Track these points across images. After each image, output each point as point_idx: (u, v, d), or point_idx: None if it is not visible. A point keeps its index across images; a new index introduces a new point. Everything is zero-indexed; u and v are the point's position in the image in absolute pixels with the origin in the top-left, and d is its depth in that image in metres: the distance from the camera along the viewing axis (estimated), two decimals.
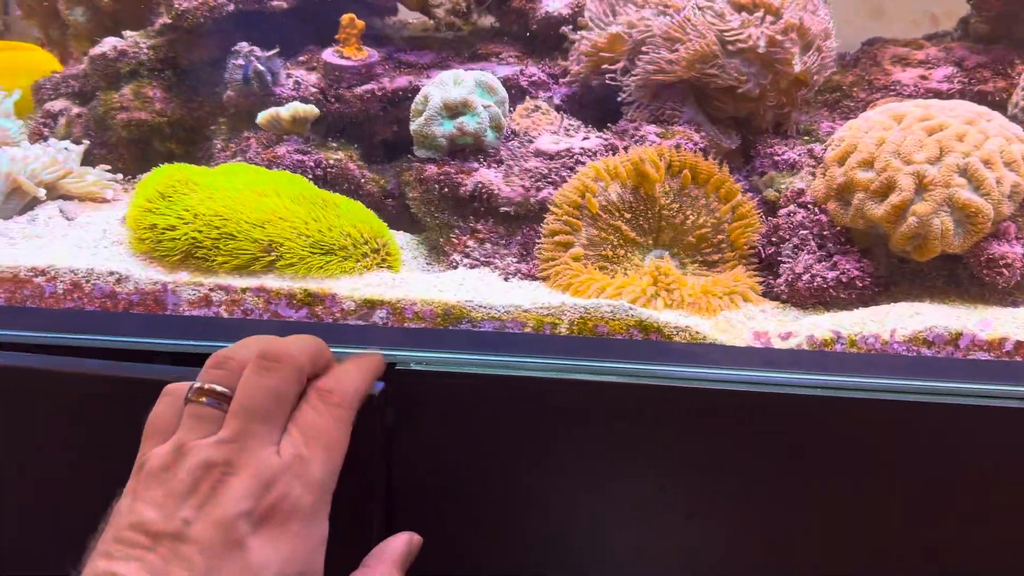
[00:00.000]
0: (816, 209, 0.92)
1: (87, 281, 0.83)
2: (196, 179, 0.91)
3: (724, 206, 0.94)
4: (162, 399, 0.49)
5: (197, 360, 0.50)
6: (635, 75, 1.02)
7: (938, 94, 1.05)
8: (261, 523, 0.43)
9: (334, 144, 1.09)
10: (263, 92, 1.10)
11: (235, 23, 1.14)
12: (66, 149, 1.11)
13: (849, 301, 0.88)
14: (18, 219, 1.02)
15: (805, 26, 0.98)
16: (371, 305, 0.80)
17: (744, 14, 0.97)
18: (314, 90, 1.11)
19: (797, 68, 0.99)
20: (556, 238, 0.92)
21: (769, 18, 0.97)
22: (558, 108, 1.09)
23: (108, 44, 1.18)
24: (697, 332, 0.78)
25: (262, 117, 1.07)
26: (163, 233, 0.87)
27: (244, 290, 0.81)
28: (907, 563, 0.61)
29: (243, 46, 1.09)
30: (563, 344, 0.77)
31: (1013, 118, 0.95)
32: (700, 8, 0.99)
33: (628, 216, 0.93)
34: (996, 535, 0.60)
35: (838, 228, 0.90)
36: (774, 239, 0.93)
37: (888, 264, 0.91)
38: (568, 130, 1.03)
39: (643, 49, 1.01)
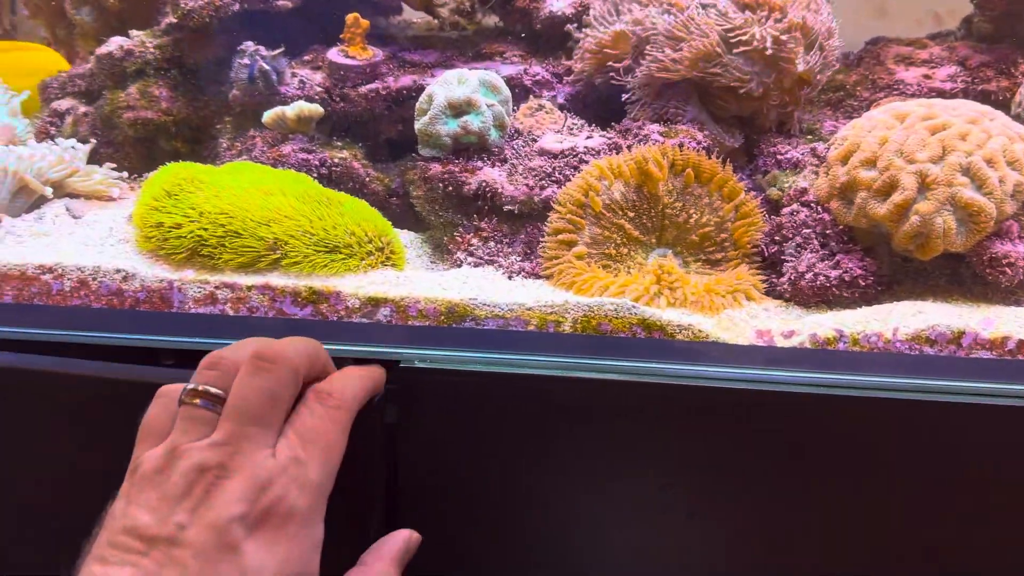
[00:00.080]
0: (819, 208, 0.92)
1: (94, 279, 0.83)
2: (202, 177, 0.92)
3: (727, 205, 0.94)
4: (156, 401, 0.49)
5: (202, 358, 0.50)
6: (638, 74, 1.02)
7: (941, 93, 1.05)
8: (256, 527, 0.43)
9: (339, 143, 1.09)
10: (268, 91, 1.10)
11: (241, 23, 1.15)
12: (72, 148, 1.12)
13: (852, 300, 0.88)
14: (25, 217, 1.02)
15: (808, 25, 0.98)
16: (375, 303, 0.81)
17: (748, 13, 0.98)
18: (319, 89, 1.11)
19: (800, 67, 0.99)
20: (560, 236, 0.92)
21: (773, 17, 0.97)
22: (562, 107, 1.09)
23: (114, 43, 1.19)
24: (700, 330, 0.78)
25: (267, 116, 1.07)
26: (169, 231, 0.88)
27: (249, 288, 0.82)
28: (909, 562, 0.62)
29: (249, 45, 1.10)
30: (566, 342, 0.78)
31: (1016, 117, 0.95)
32: (704, 7, 0.99)
33: (631, 215, 0.94)
34: (997, 534, 0.60)
35: (841, 227, 0.91)
36: (777, 238, 0.93)
37: (891, 263, 0.91)
38: (572, 129, 1.03)
39: (647, 48, 1.01)
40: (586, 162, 0.96)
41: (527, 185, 0.96)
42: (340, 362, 0.65)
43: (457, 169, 0.98)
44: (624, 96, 1.04)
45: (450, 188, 0.98)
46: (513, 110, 1.05)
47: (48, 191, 1.05)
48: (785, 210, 0.94)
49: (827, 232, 0.91)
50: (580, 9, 1.14)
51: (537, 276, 0.93)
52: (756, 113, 1.04)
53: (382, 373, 0.55)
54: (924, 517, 0.60)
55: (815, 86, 1.04)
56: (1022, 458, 0.59)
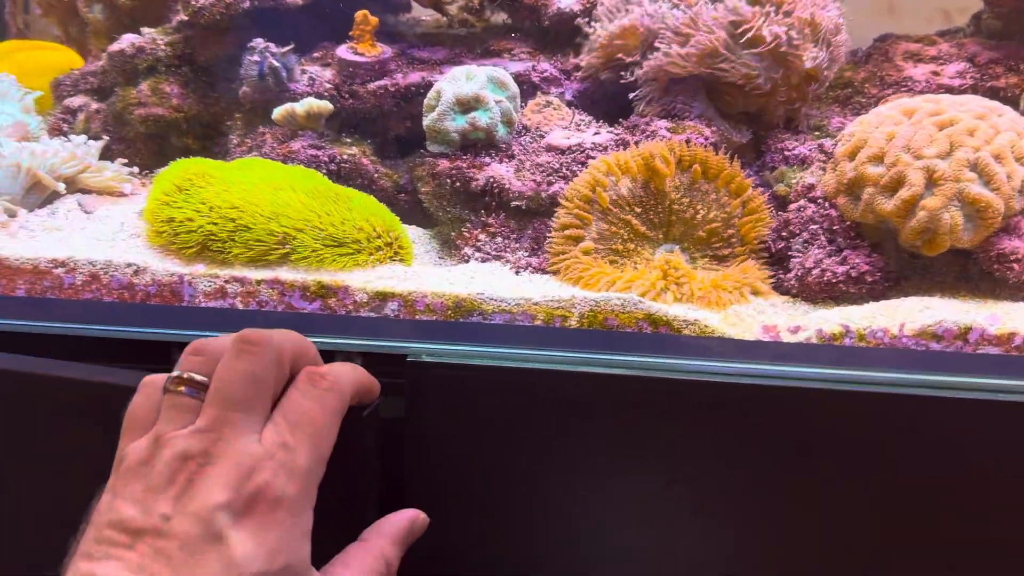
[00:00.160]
0: (826, 204, 0.92)
1: (105, 273, 0.84)
2: (212, 173, 0.93)
3: (734, 201, 0.94)
4: (140, 391, 0.47)
5: None
6: (646, 68, 1.02)
7: (950, 90, 1.05)
8: (242, 514, 0.41)
9: (348, 139, 1.10)
10: (278, 88, 1.11)
11: (251, 20, 1.15)
12: (85, 144, 1.13)
13: (859, 296, 0.88)
14: (39, 212, 1.04)
15: (816, 21, 0.98)
16: (383, 297, 0.81)
17: (756, 8, 0.98)
18: (328, 86, 1.12)
19: (808, 64, 0.99)
20: (567, 232, 0.92)
21: (782, 11, 0.97)
22: (569, 104, 1.09)
23: (126, 41, 1.20)
24: (706, 326, 0.78)
25: (277, 113, 1.08)
26: (180, 226, 0.89)
27: (259, 282, 0.82)
28: (914, 558, 0.62)
29: (259, 42, 1.10)
30: (573, 337, 0.78)
31: None
32: (712, 2, 0.99)
33: (638, 210, 0.94)
34: (1002, 531, 0.60)
35: (848, 223, 0.91)
36: (784, 234, 0.93)
37: (898, 259, 0.91)
38: (579, 125, 1.04)
39: (656, 44, 1.01)
40: (593, 158, 0.97)
41: (534, 181, 0.97)
42: (347, 357, 0.66)
43: (465, 165, 0.99)
44: (632, 95, 1.04)
45: (458, 184, 0.99)
46: (521, 106, 1.06)
47: (61, 187, 1.06)
48: (792, 206, 0.94)
49: (834, 228, 0.91)
50: (588, 5, 1.14)
51: (544, 271, 0.94)
52: (764, 109, 1.04)
53: (376, 382, 0.53)
54: (929, 513, 0.60)
55: (822, 82, 1.04)
56: None
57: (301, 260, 0.87)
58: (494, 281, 0.87)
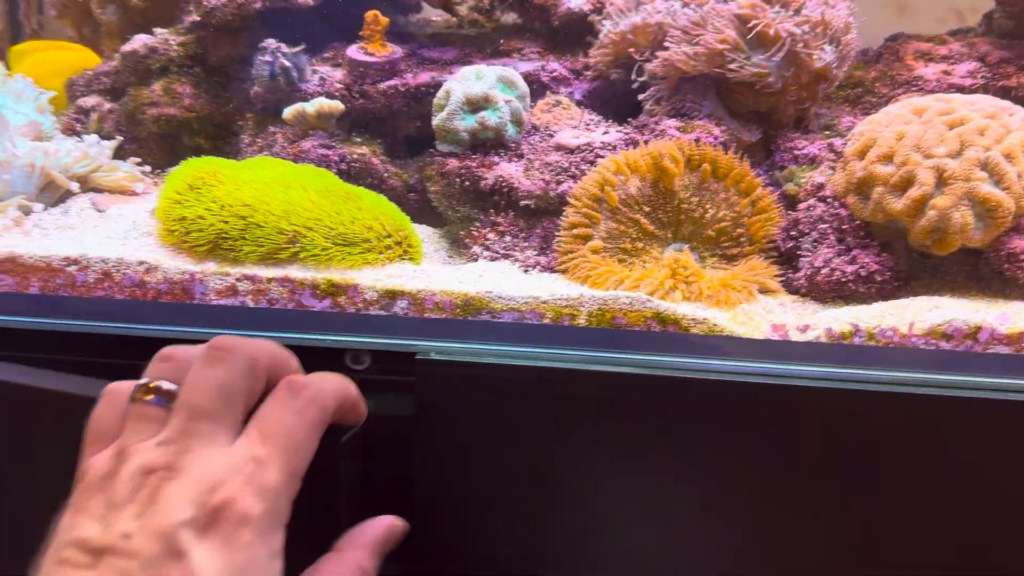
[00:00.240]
0: (836, 203, 0.92)
1: (117, 271, 0.85)
2: (224, 172, 0.93)
3: (744, 200, 0.94)
4: (104, 399, 0.45)
5: None
6: (656, 67, 1.02)
7: (961, 89, 1.05)
8: (206, 532, 0.39)
9: (358, 139, 1.11)
10: (289, 88, 1.12)
11: (262, 20, 1.16)
12: (98, 144, 1.14)
13: (868, 295, 0.88)
14: (52, 210, 1.05)
15: (826, 20, 0.98)
16: (392, 296, 0.82)
17: (767, 7, 0.98)
18: (339, 86, 1.13)
19: (818, 63, 0.99)
20: (575, 231, 0.92)
21: (792, 9, 0.97)
22: (579, 103, 1.10)
23: (139, 41, 1.21)
24: (715, 324, 0.78)
25: (288, 112, 1.09)
26: (191, 224, 0.89)
27: (270, 280, 0.83)
28: (926, 556, 0.61)
29: (270, 43, 1.11)
30: (581, 335, 0.78)
31: None
32: (723, 1, 0.99)
33: (647, 209, 0.94)
34: (1011, 530, 0.60)
35: (858, 222, 0.90)
36: (794, 233, 0.93)
37: (908, 258, 0.91)
38: (589, 125, 1.04)
39: (666, 42, 1.01)
40: (602, 157, 0.97)
41: (543, 180, 0.97)
42: (356, 355, 0.66)
43: (474, 164, 0.99)
44: (641, 97, 1.04)
45: (467, 183, 0.99)
46: (530, 106, 1.06)
47: (74, 186, 1.07)
48: (802, 205, 0.94)
49: (844, 227, 0.90)
50: (597, 5, 1.14)
51: (553, 270, 0.94)
52: (774, 108, 1.04)
53: (363, 402, 0.49)
54: (938, 512, 0.60)
55: (832, 81, 1.04)
56: None
57: (311, 258, 0.87)
58: (503, 280, 0.87)
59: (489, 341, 0.67)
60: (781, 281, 0.92)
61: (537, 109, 1.07)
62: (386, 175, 1.08)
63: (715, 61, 0.99)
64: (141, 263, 0.85)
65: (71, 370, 0.59)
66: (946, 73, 1.08)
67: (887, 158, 0.88)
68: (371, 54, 1.13)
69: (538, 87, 1.11)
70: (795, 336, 0.78)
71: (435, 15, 1.32)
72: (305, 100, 1.10)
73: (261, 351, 0.44)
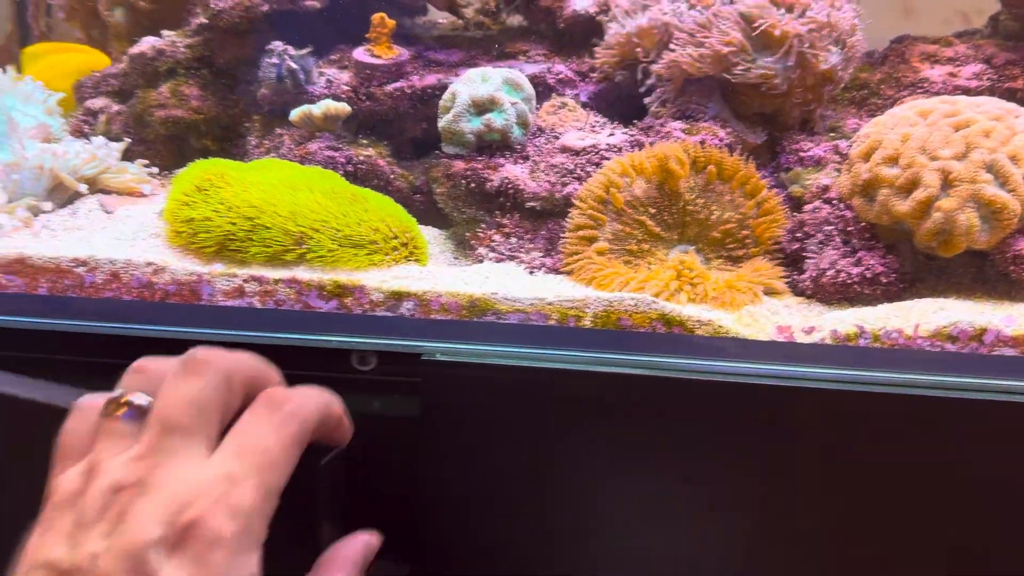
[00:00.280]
0: (841, 205, 0.92)
1: (125, 272, 0.85)
2: (231, 173, 0.94)
3: (749, 202, 0.94)
4: (75, 414, 0.43)
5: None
6: (661, 69, 1.03)
7: (966, 91, 1.05)
8: (175, 551, 0.37)
9: (364, 141, 1.11)
10: (296, 90, 1.12)
11: (269, 23, 1.17)
12: (106, 145, 1.15)
13: (874, 297, 0.88)
14: (60, 212, 1.05)
15: (832, 22, 0.98)
16: (398, 297, 0.82)
17: (773, 9, 0.98)
18: (346, 88, 1.13)
19: (824, 65, 0.99)
20: (581, 232, 0.93)
21: (797, 11, 0.97)
22: (584, 105, 1.10)
23: (147, 44, 1.22)
24: (720, 326, 0.78)
25: (295, 114, 1.09)
26: (199, 225, 0.90)
27: (276, 281, 0.83)
28: (933, 557, 0.61)
29: (277, 45, 1.11)
30: (586, 337, 0.78)
31: None
32: (729, 2, 0.99)
33: (653, 211, 0.94)
34: (1017, 531, 0.60)
35: (863, 224, 0.91)
36: (799, 235, 0.93)
37: (914, 260, 0.91)
38: (594, 126, 1.04)
39: (671, 44, 1.02)
40: (608, 159, 0.97)
41: (549, 182, 0.97)
42: (363, 356, 0.66)
43: (480, 166, 1.00)
44: (647, 99, 1.05)
45: (473, 185, 0.99)
46: (536, 108, 1.06)
47: (82, 187, 1.08)
48: (807, 207, 0.94)
49: (849, 229, 0.91)
50: (603, 8, 1.14)
51: (558, 272, 0.94)
52: (779, 110, 1.04)
53: (347, 422, 0.47)
54: (945, 514, 0.60)
55: (838, 83, 1.04)
56: None
57: (318, 260, 0.87)
58: (508, 281, 0.88)
59: (495, 342, 0.67)
60: (786, 283, 0.92)
61: (543, 111, 1.07)
62: (392, 177, 1.09)
63: (721, 63, 0.99)
64: (149, 264, 0.86)
65: (78, 370, 0.58)
66: (952, 75, 1.08)
67: (892, 160, 0.88)
68: (377, 56, 1.13)
69: (544, 89, 1.11)
70: (800, 338, 0.78)
71: (441, 17, 1.32)
72: (312, 102, 1.10)
73: (239, 364, 0.43)
